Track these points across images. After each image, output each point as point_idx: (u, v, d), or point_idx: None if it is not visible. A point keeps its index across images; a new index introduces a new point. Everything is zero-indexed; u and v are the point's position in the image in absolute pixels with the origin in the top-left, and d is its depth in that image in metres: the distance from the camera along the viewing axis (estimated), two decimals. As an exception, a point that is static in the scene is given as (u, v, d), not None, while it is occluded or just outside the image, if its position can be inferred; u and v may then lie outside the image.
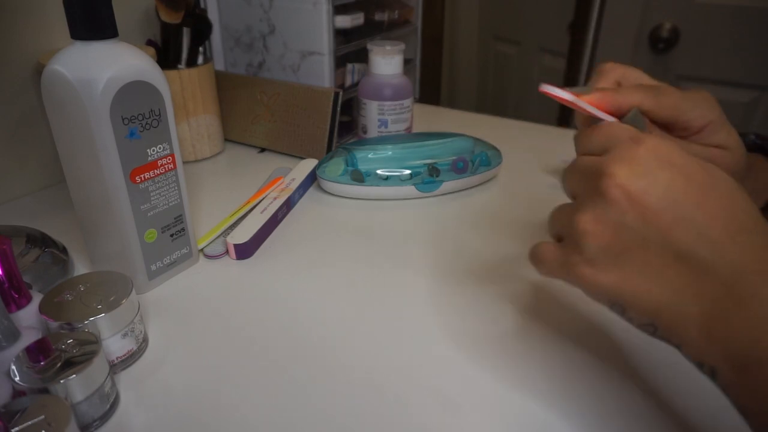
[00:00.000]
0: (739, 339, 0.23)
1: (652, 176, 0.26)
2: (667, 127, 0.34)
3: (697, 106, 0.34)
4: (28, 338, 0.33)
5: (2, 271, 0.34)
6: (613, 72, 0.36)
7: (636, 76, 0.36)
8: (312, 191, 0.62)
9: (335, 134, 0.68)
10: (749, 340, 0.23)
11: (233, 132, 0.74)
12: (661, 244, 0.25)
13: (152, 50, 0.63)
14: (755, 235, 0.25)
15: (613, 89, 0.33)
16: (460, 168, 0.59)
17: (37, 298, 0.36)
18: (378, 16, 0.77)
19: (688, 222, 0.25)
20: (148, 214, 0.42)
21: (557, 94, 0.31)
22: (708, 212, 0.25)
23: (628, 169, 0.26)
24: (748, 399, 0.23)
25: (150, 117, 0.40)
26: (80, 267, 0.48)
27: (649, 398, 0.34)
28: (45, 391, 0.30)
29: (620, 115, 0.33)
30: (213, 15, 0.75)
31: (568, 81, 1.30)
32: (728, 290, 0.24)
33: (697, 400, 0.33)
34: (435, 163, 0.58)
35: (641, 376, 0.36)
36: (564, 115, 1.33)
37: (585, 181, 0.28)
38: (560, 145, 0.75)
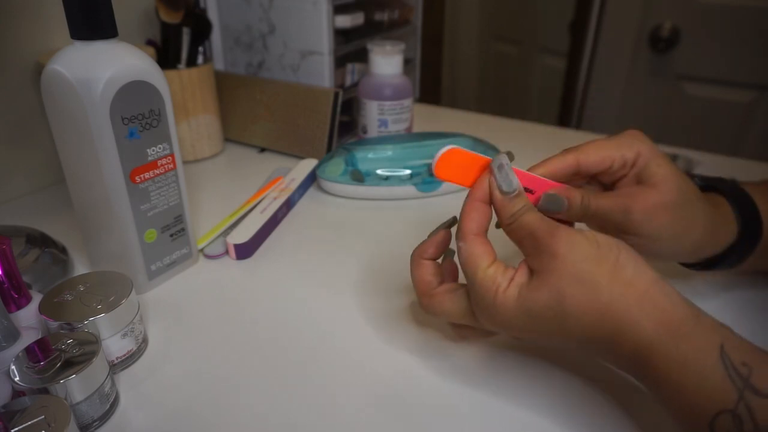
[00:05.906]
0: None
1: (504, 319, 0.31)
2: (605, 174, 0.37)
3: (622, 143, 0.36)
4: (27, 338, 0.33)
5: (2, 271, 0.34)
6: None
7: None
8: (312, 191, 0.62)
9: (335, 134, 0.68)
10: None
11: (233, 132, 0.74)
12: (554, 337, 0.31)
13: (152, 50, 0.63)
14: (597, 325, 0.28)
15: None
16: (460, 168, 0.59)
17: (36, 298, 0.36)
18: (378, 16, 0.77)
19: (555, 333, 0.30)
20: (148, 214, 0.42)
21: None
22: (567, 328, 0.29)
23: (486, 317, 0.32)
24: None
25: (150, 117, 0.40)
26: (80, 267, 0.48)
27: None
28: (45, 391, 0.30)
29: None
30: (213, 15, 0.75)
31: (569, 81, 1.30)
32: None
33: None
34: (435, 163, 0.58)
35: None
36: (564, 115, 1.33)
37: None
38: (560, 145, 0.74)
